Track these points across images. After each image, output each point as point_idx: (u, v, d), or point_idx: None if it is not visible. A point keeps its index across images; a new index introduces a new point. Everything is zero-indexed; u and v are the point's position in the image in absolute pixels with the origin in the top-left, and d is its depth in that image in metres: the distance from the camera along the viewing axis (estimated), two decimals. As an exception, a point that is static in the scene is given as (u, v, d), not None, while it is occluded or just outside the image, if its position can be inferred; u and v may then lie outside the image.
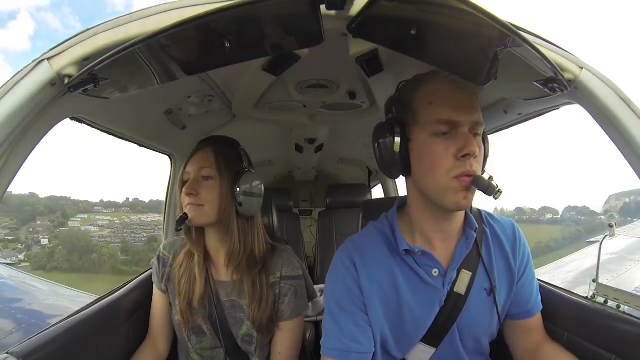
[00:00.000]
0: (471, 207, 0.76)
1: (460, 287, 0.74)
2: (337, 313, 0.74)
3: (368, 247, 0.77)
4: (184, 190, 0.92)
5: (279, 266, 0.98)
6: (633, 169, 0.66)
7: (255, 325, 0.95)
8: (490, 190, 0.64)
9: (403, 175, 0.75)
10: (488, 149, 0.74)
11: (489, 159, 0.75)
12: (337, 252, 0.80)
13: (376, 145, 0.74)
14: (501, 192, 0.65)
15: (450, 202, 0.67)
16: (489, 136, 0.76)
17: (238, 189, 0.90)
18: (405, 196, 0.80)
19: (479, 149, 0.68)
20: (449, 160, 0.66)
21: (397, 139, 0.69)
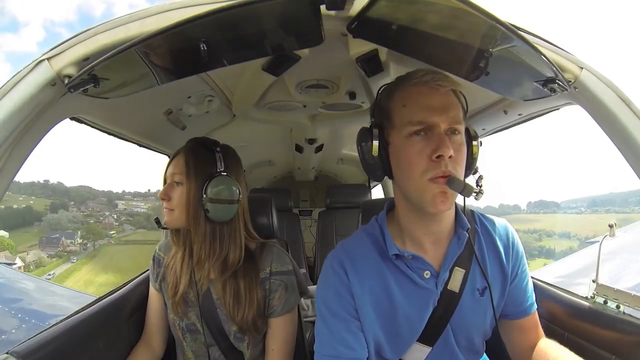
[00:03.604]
0: (464, 207, 0.76)
1: (454, 285, 0.73)
2: (329, 319, 0.74)
3: (358, 252, 0.77)
4: (159, 194, 0.95)
5: (268, 262, 0.97)
6: (633, 169, 0.66)
7: (237, 325, 0.95)
8: (467, 191, 0.63)
9: (389, 178, 0.75)
10: (476, 148, 0.73)
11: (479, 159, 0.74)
12: (328, 257, 0.80)
13: (359, 149, 0.75)
14: (481, 193, 0.65)
15: (429, 205, 0.66)
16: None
17: (205, 195, 0.89)
18: (394, 198, 0.79)
19: (459, 148, 0.67)
20: (423, 161, 0.65)
21: (375, 143, 0.70)
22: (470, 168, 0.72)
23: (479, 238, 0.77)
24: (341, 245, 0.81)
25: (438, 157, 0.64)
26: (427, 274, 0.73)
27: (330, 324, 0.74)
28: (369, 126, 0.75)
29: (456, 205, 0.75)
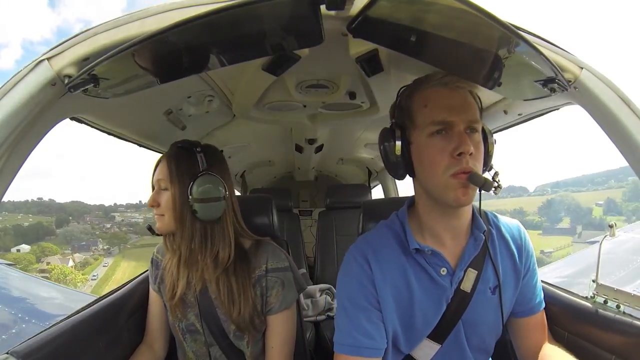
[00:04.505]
0: (479, 209, 0.78)
1: (467, 285, 0.76)
2: (350, 309, 0.76)
3: (380, 245, 0.79)
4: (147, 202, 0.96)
5: (264, 259, 0.97)
6: (633, 169, 0.66)
7: (235, 324, 0.95)
8: (487, 186, 0.67)
9: (410, 176, 0.78)
10: (491, 145, 0.76)
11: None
12: (350, 249, 0.81)
13: (381, 149, 0.78)
14: (500, 187, 0.68)
15: (451, 199, 0.70)
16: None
17: (190, 196, 0.90)
18: (414, 195, 0.82)
19: (477, 145, 0.70)
20: (445, 159, 0.69)
21: (398, 143, 0.74)
22: (487, 164, 0.75)
23: (492, 238, 0.80)
24: (363, 238, 0.83)
25: (459, 154, 0.67)
26: (443, 271, 0.76)
27: (351, 314, 0.75)
28: (389, 127, 0.77)
29: (472, 207, 0.78)
